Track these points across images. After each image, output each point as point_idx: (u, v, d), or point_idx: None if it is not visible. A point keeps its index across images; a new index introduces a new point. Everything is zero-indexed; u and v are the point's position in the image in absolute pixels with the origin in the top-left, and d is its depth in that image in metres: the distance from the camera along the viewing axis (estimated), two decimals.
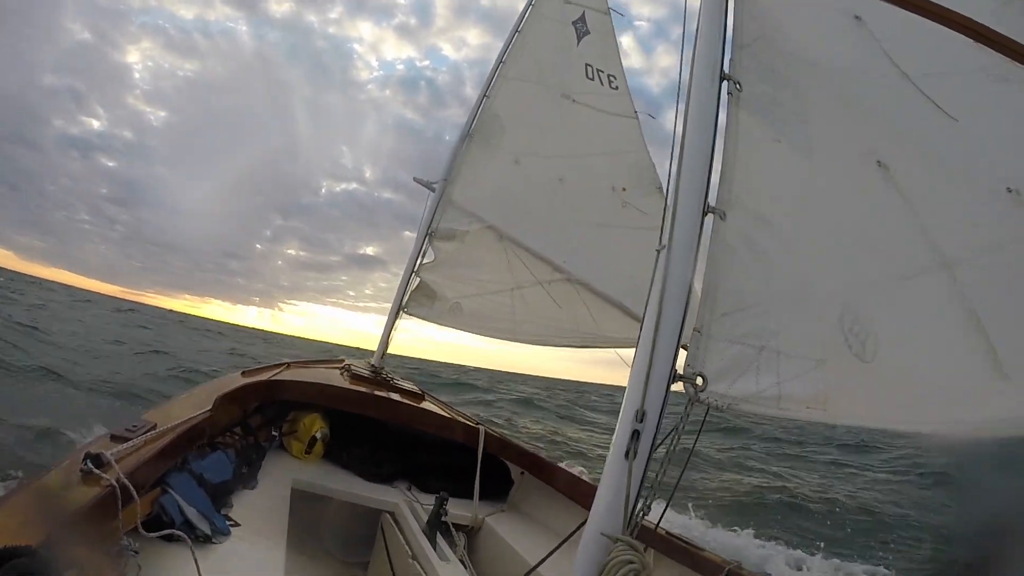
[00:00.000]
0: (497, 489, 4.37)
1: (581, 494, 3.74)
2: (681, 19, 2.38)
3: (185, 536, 2.26)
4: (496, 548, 3.67)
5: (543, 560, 2.68)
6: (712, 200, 2.02)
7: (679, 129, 2.08)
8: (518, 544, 3.53)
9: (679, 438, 1.91)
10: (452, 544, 3.34)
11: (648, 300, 1.95)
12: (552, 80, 6.14)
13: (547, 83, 6.15)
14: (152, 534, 2.19)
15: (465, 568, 3.10)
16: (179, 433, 2.67)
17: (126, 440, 2.33)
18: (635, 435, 1.83)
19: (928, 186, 1.97)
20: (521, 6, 6.41)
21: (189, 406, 3.03)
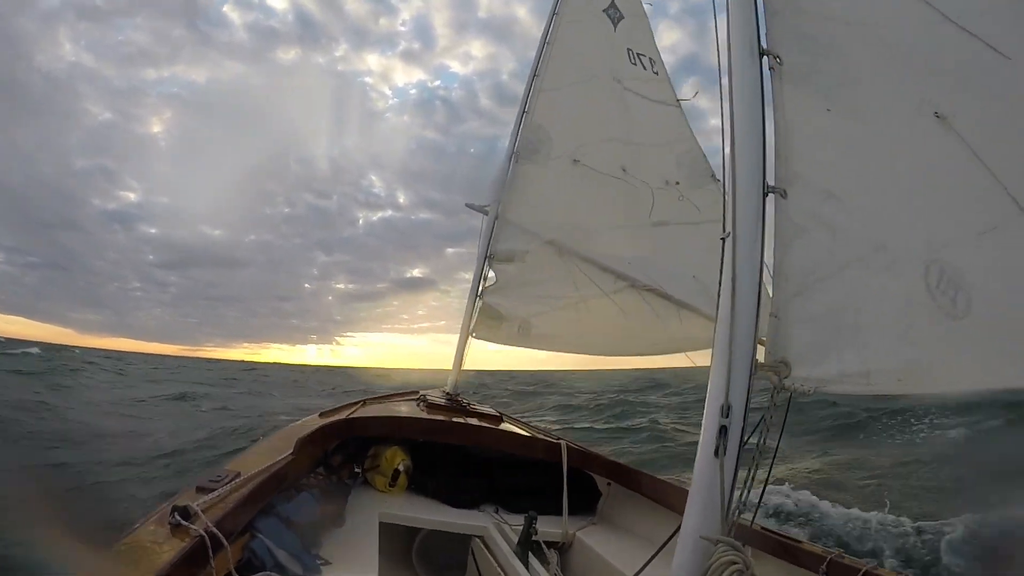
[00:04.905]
0: (585, 503, 4.29)
1: (670, 498, 3.63)
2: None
3: None
4: (590, 562, 3.60)
5: (641, 570, 2.60)
6: (771, 180, 1.96)
7: (726, 111, 2.02)
8: (612, 556, 3.44)
9: (768, 430, 1.84)
10: (544, 562, 3.28)
11: (720, 290, 1.89)
12: (599, 70, 6.05)
13: (594, 74, 6.06)
14: None
15: None
16: (263, 479, 2.72)
17: (211, 491, 2.38)
18: (722, 431, 1.77)
19: (992, 132, 1.84)
20: (520, 11, 6.37)
21: (270, 452, 3.08)
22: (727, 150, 1.99)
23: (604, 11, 6.13)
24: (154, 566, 1.77)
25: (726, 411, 1.77)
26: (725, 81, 2.06)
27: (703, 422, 1.83)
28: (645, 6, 6.20)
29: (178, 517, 2.07)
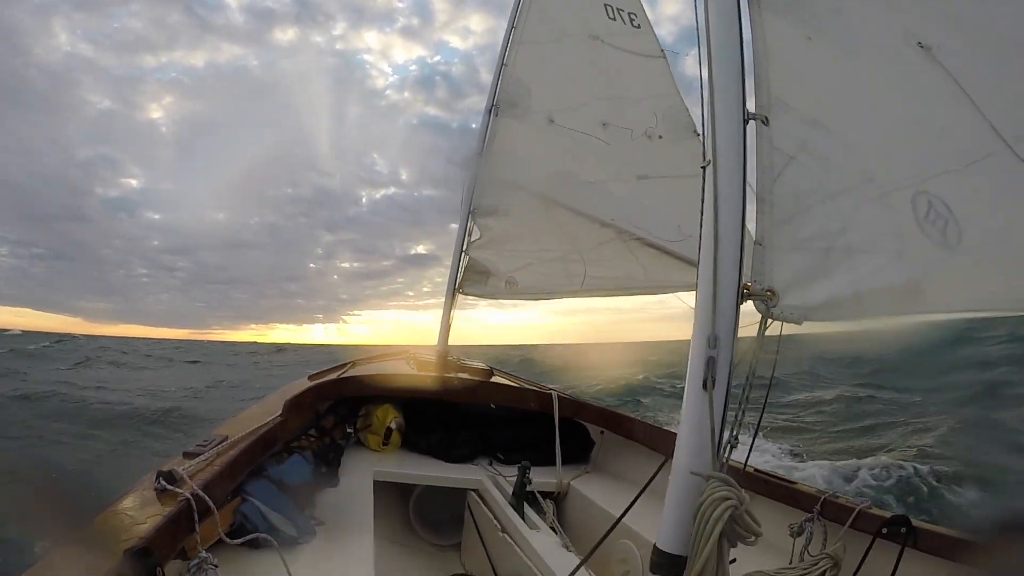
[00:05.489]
0: (579, 452, 4.32)
1: (661, 441, 3.65)
2: None
3: (271, 539, 2.27)
4: (585, 510, 3.63)
5: (626, 511, 2.61)
6: (751, 107, 1.91)
7: (702, 38, 1.96)
8: (606, 502, 3.46)
9: (758, 359, 1.81)
10: (540, 512, 3.30)
11: (702, 218, 1.84)
12: (574, 28, 5.88)
13: (569, 32, 5.90)
14: (236, 541, 2.21)
15: (556, 534, 3.05)
16: (251, 442, 2.70)
17: (197, 455, 2.35)
18: (710, 362, 1.73)
19: (974, 65, 1.78)
20: None
21: (259, 415, 3.06)
22: (704, 78, 1.93)
23: None
24: (139, 531, 1.74)
25: (713, 342, 1.72)
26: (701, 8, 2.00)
27: (690, 354, 1.79)
28: None
29: (163, 482, 2.04)
